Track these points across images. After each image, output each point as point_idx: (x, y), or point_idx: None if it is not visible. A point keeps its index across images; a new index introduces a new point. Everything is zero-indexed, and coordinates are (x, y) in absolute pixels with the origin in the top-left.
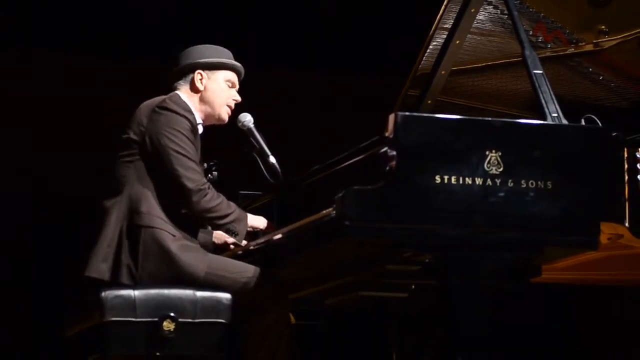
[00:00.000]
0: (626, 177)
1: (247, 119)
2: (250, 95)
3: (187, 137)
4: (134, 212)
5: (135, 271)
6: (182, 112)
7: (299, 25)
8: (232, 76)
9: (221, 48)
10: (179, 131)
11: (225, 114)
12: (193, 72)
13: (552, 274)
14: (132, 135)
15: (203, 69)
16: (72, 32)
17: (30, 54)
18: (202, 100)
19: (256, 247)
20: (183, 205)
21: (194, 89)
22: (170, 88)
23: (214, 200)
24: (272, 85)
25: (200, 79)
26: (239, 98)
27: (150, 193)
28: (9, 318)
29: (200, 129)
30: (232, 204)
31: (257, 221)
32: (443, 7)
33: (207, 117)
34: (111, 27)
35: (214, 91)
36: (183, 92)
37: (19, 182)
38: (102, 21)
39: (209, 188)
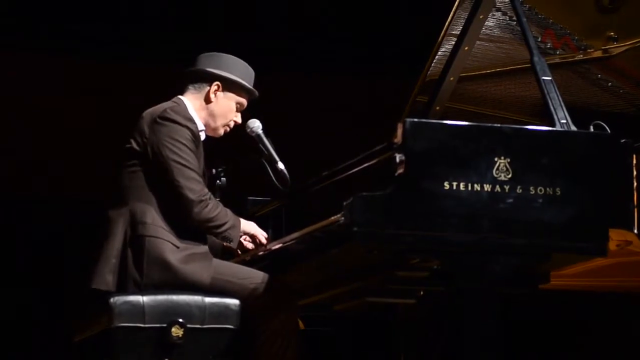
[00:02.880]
0: (635, 184)
1: (255, 125)
2: (258, 100)
3: (188, 148)
4: (138, 223)
5: (140, 281)
6: (183, 122)
7: (302, 28)
8: (244, 101)
9: (246, 66)
10: (180, 142)
11: (222, 131)
12: (211, 81)
13: (561, 281)
14: (134, 145)
15: (222, 83)
16: (71, 34)
17: (30, 55)
18: (208, 110)
19: (265, 252)
20: (184, 215)
21: (206, 98)
22: (179, 88)
23: (214, 210)
24: (281, 91)
25: (216, 91)
26: (239, 121)
27: (154, 203)
28: (13, 320)
29: (203, 136)
30: (228, 211)
31: (249, 226)
32: (452, 13)
33: (206, 127)
34: (111, 28)
35: (222, 108)
36: (191, 97)
37: (18, 183)
38: (102, 22)
39: (209, 198)
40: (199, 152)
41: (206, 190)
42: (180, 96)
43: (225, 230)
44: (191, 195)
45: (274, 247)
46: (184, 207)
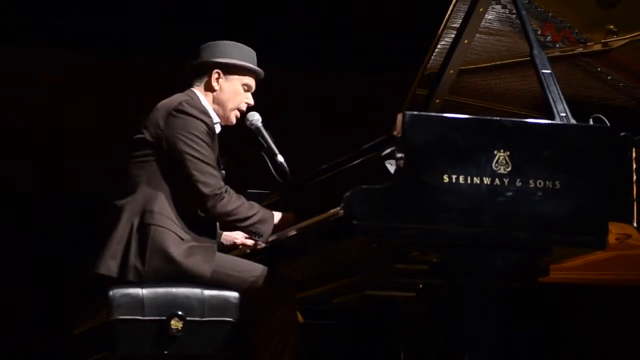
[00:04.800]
0: (634, 177)
1: (255, 117)
2: (257, 94)
3: (204, 141)
4: (145, 211)
5: (142, 268)
6: (198, 115)
7: (303, 24)
8: (250, 81)
9: (245, 48)
10: (196, 135)
11: (234, 117)
12: (210, 70)
13: (560, 274)
14: (147, 137)
15: (221, 69)
16: (73, 31)
17: (30, 52)
18: (215, 99)
19: (264, 246)
20: (199, 208)
21: (208, 87)
22: (188, 83)
23: (232, 203)
24: (281, 84)
25: (217, 79)
26: (251, 101)
27: (163, 194)
28: (15, 316)
29: (218, 128)
30: (254, 205)
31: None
32: (451, 6)
33: (218, 117)
34: (113, 26)
35: (227, 93)
36: (199, 90)
37: (20, 182)
38: (104, 19)
39: (226, 192)
40: (214, 145)
41: (222, 183)
42: (191, 89)
43: (252, 225)
44: (205, 190)
45: (273, 240)
46: (198, 201)
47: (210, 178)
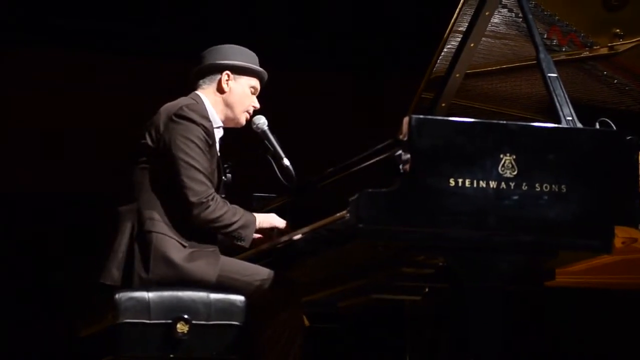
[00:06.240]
0: None
1: (261, 121)
2: (262, 96)
3: (199, 147)
4: (147, 218)
5: (146, 276)
6: (198, 119)
7: (305, 26)
8: (256, 83)
9: (248, 51)
10: (192, 140)
11: (243, 119)
12: (220, 72)
13: (566, 278)
14: (149, 142)
15: (231, 71)
16: (73, 31)
17: (30, 52)
18: (225, 102)
19: (270, 249)
20: (186, 216)
21: (219, 89)
22: (193, 86)
23: (217, 211)
24: (286, 87)
25: (227, 80)
26: (257, 105)
27: (164, 199)
28: (16, 317)
29: (221, 132)
30: (238, 210)
31: (268, 220)
32: (457, 10)
33: (226, 119)
34: (113, 26)
35: (237, 95)
36: (206, 92)
37: (21, 181)
38: (105, 18)
39: (212, 199)
40: (212, 151)
41: (210, 191)
42: (197, 92)
43: (235, 230)
44: (191, 197)
45: (279, 243)
46: (184, 208)
47: (199, 185)
